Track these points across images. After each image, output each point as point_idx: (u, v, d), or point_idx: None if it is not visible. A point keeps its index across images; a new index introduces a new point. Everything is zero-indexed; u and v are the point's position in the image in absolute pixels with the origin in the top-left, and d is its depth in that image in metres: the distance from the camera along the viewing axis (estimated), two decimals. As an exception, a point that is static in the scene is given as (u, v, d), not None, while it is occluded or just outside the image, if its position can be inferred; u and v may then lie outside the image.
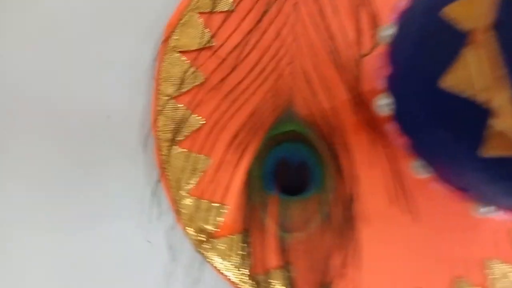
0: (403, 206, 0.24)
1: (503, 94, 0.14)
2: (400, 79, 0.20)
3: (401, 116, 0.20)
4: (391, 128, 0.21)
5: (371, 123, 0.24)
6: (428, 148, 0.19)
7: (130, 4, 0.25)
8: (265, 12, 0.25)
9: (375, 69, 0.21)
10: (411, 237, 0.23)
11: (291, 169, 0.24)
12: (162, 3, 0.25)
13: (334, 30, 0.25)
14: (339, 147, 0.24)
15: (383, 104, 0.20)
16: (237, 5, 0.25)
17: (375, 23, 0.25)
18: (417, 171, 0.20)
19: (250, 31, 0.25)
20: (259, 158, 0.24)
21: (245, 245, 0.23)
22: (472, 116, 0.15)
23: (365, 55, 0.25)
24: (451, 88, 0.16)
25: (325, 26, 0.25)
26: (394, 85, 0.20)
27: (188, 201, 0.24)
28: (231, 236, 0.23)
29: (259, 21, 0.25)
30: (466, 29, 0.15)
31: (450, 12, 0.16)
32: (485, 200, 0.18)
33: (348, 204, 0.23)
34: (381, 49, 0.21)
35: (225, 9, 0.25)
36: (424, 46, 0.17)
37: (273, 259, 0.23)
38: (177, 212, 0.23)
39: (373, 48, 0.25)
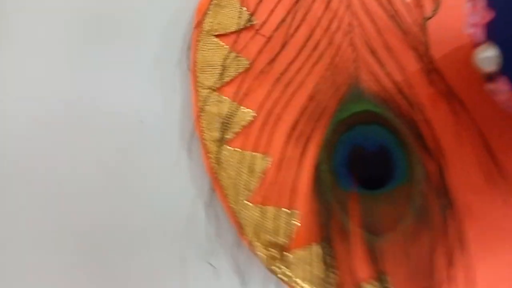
0: (502, 186, 0.20)
1: None
2: (505, 24, 0.16)
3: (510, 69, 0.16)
4: (498, 86, 0.17)
5: (450, 93, 0.20)
6: None
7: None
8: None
9: (466, 17, 0.17)
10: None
11: (369, 157, 0.20)
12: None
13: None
14: (422, 124, 0.20)
15: (488, 57, 0.16)
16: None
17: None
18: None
19: (296, 3, 0.21)
20: (327, 149, 0.20)
21: (328, 256, 0.19)
22: None
23: (429, 18, 0.22)
24: None
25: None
26: (498, 33, 0.16)
27: (250, 211, 0.19)
28: (309, 246, 0.19)
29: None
30: None
31: None
32: None
33: (443, 191, 0.19)
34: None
35: (264, -20, 0.21)
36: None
37: (364, 269, 0.19)
38: (239, 225, 0.19)
39: (435, 10, 0.22)
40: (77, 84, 0.21)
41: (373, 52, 0.21)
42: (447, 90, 0.21)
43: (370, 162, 0.20)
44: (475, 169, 0.20)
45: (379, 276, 0.19)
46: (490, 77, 0.17)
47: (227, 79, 0.21)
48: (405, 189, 0.19)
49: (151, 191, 0.20)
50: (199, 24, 0.21)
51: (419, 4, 0.22)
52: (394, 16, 0.21)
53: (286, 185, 0.20)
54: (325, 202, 0.19)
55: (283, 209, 0.19)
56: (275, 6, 0.21)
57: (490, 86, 0.17)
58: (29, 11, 0.22)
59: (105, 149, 0.20)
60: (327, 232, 0.19)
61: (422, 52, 0.21)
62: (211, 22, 0.21)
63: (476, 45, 0.17)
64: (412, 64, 0.21)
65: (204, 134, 0.20)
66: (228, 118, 0.20)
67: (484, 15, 0.16)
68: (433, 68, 0.21)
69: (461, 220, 0.19)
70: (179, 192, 0.20)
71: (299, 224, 0.19)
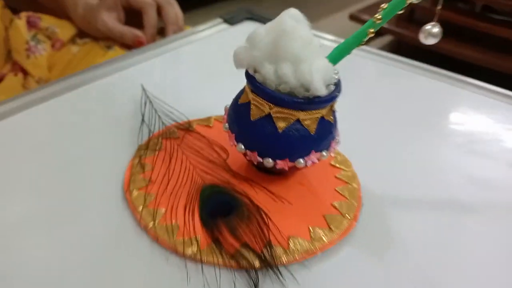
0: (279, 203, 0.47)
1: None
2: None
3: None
4: (249, 157, 0.46)
5: (243, 178, 0.49)
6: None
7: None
8: (170, 157, 0.50)
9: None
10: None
11: (221, 205, 0.45)
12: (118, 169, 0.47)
13: (206, 154, 0.52)
14: (240, 190, 0.47)
15: (241, 148, 0.46)
16: (157, 156, 0.50)
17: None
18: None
19: (168, 165, 0.49)
20: (203, 206, 0.45)
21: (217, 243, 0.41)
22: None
23: (226, 159, 0.52)
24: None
25: (200, 154, 0.52)
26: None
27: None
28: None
29: (170, 161, 0.50)
30: None
31: None
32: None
33: (257, 210, 0.45)
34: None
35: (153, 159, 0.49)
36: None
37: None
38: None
39: (227, 156, 0.53)
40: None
41: (206, 172, 0.49)
42: (238, 176, 0.49)
43: (222, 207, 0.45)
44: (268, 200, 0.47)
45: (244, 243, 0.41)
46: (245, 154, 0.47)
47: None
48: (241, 213, 0.44)
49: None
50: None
51: (220, 155, 0.52)
52: (211, 161, 0.51)
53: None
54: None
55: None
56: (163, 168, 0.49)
57: (247, 157, 0.47)
58: None
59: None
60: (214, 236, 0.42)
61: (227, 169, 0.50)
62: (133, 181, 0.47)
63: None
64: (225, 174, 0.49)
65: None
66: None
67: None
68: (233, 174, 0.50)
69: (264, 217, 0.45)
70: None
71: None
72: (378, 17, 0.39)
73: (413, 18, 2.42)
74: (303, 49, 0.39)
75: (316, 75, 0.38)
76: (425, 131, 0.62)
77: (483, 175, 0.54)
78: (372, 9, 2.38)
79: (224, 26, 0.87)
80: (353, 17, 2.45)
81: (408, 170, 0.54)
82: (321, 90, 0.39)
